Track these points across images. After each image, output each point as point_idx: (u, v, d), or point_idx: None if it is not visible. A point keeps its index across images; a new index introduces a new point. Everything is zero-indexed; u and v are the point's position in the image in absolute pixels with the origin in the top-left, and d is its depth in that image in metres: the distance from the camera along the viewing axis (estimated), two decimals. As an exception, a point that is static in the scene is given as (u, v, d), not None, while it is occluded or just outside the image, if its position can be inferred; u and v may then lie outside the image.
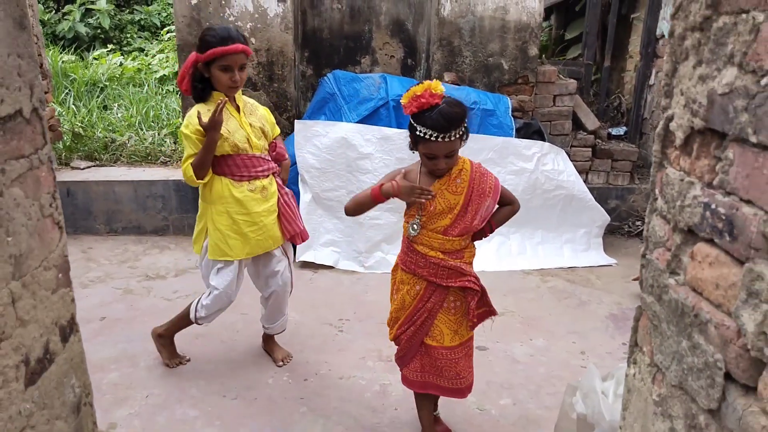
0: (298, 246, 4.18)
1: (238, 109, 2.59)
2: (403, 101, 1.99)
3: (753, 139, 0.87)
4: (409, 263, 2.12)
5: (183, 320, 2.84)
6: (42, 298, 1.09)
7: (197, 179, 2.49)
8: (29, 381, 1.04)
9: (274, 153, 2.73)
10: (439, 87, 1.92)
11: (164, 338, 2.92)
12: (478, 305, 2.15)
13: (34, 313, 1.06)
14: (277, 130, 2.78)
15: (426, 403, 2.33)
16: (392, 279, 2.27)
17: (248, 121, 2.59)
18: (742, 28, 0.90)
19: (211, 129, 2.40)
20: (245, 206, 2.58)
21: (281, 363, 2.97)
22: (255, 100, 2.76)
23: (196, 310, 2.74)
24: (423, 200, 1.95)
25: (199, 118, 2.41)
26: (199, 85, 2.50)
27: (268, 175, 2.65)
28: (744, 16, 0.89)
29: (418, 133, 1.93)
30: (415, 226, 2.06)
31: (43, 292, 1.10)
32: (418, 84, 1.94)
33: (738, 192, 0.92)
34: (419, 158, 2.08)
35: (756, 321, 0.86)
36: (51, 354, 1.12)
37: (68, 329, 1.20)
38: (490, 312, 2.22)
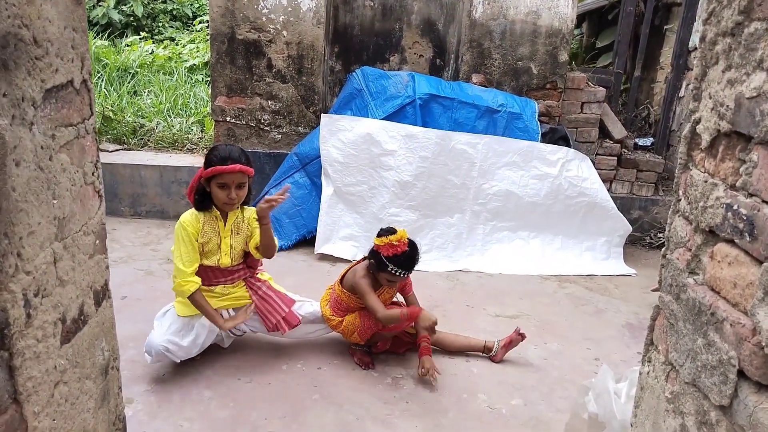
0: (317, 238, 4.27)
1: (226, 224, 2.73)
2: (379, 243, 2.75)
3: (778, 141, 0.89)
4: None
5: None
6: (80, 261, 1.14)
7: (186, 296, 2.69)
8: (64, 339, 1.09)
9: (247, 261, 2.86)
10: (405, 235, 2.78)
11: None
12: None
13: (73, 274, 1.11)
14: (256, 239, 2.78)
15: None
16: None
17: (230, 243, 2.74)
18: (773, 32, 0.92)
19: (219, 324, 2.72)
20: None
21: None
22: (251, 211, 2.77)
23: None
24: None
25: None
26: (198, 197, 2.68)
27: (234, 282, 2.82)
28: (776, 21, 0.91)
29: (391, 270, 2.74)
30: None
31: (82, 255, 1.15)
32: (393, 232, 2.76)
33: (760, 193, 0.94)
34: (366, 264, 2.87)
35: (772, 319, 0.88)
36: (85, 316, 1.17)
37: (101, 294, 1.25)
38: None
